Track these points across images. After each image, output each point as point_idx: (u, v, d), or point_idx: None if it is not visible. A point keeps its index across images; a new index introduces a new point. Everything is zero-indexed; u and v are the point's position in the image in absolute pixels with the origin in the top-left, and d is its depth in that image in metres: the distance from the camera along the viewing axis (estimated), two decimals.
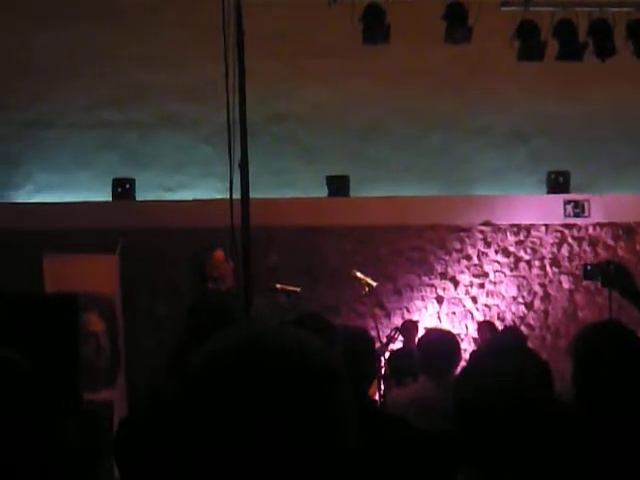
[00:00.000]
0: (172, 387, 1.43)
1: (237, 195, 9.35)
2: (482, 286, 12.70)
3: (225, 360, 1.49)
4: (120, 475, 3.72)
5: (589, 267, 5.32)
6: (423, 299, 12.62)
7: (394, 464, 3.79)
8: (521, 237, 12.74)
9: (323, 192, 12.72)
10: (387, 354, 10.49)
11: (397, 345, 10.85)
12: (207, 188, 12.35)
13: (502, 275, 12.73)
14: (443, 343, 5.76)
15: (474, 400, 2.55)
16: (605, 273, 4.68)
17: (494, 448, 2.48)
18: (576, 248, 12.74)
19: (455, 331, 11.83)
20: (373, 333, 10.05)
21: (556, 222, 12.76)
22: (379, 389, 8.79)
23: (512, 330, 10.62)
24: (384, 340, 10.30)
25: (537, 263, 12.74)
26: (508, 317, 12.53)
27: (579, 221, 12.75)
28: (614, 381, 3.48)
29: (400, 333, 10.77)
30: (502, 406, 2.49)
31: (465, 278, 12.70)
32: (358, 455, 1.51)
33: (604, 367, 3.52)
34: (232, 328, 1.58)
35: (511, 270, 12.74)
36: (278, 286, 9.65)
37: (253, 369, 1.46)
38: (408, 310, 12.54)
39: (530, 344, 12.15)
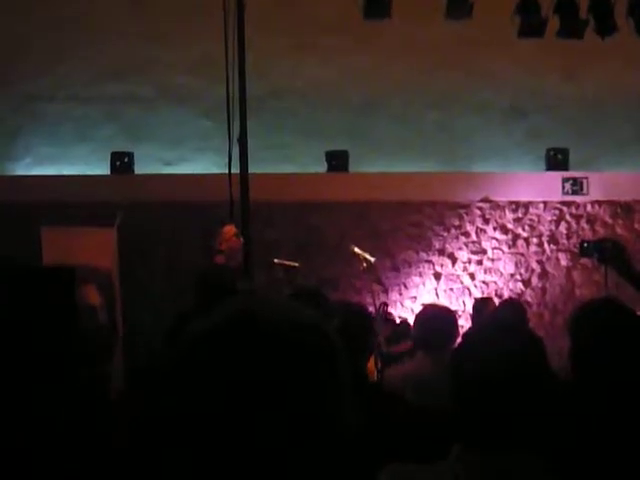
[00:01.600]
0: (169, 357, 1.44)
1: (236, 170, 9.39)
2: (480, 263, 12.71)
3: (222, 331, 1.50)
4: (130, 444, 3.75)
5: (586, 244, 5.32)
6: (421, 275, 12.64)
7: (390, 440, 3.80)
8: (519, 214, 12.75)
9: (322, 167, 12.72)
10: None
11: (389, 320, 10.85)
12: (206, 162, 12.35)
13: (500, 252, 12.74)
14: (440, 319, 5.77)
15: (469, 375, 2.56)
16: (602, 250, 4.70)
17: (489, 423, 2.49)
18: (574, 225, 12.75)
19: (453, 307, 11.85)
20: (370, 309, 10.08)
21: (554, 199, 12.77)
22: (376, 365, 8.81)
23: (512, 303, 10.56)
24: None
25: (535, 240, 12.76)
26: (506, 294, 12.53)
27: (577, 198, 12.75)
28: (611, 357, 3.49)
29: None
30: (497, 382, 2.50)
31: (463, 255, 12.72)
32: (355, 430, 1.51)
33: (601, 343, 3.53)
34: (232, 300, 1.58)
35: (509, 247, 12.75)
36: (276, 261, 9.67)
37: (250, 340, 1.47)
38: (406, 286, 12.57)
39: None
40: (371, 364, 8.56)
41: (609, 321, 3.61)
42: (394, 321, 10.66)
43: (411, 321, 11.33)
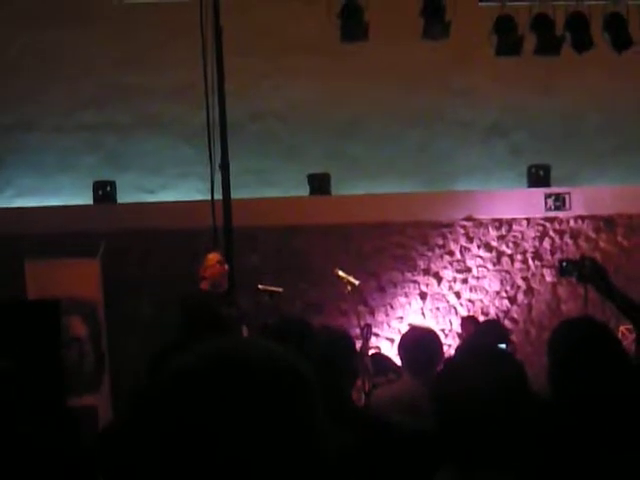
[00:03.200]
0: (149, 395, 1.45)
1: (219, 195, 9.38)
2: (465, 281, 12.71)
3: (195, 373, 1.50)
4: None
5: (565, 263, 5.33)
6: (407, 295, 12.63)
7: (374, 464, 3.80)
8: (503, 231, 12.77)
9: (304, 191, 12.72)
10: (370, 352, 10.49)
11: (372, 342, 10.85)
12: (188, 189, 12.35)
13: (485, 270, 12.75)
14: (423, 341, 5.78)
15: (452, 401, 2.56)
16: (580, 269, 4.70)
17: (472, 447, 2.49)
18: (558, 241, 12.77)
19: (439, 327, 11.89)
20: (356, 330, 10.07)
21: (537, 215, 12.79)
22: (364, 388, 8.80)
23: (493, 324, 10.58)
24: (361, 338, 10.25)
25: (519, 257, 12.77)
26: (492, 311, 12.54)
27: (560, 214, 12.78)
28: (586, 375, 3.50)
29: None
30: (479, 406, 2.50)
31: (448, 273, 12.71)
32: (337, 456, 1.52)
33: (576, 362, 3.54)
34: (205, 341, 1.59)
35: (494, 265, 12.76)
36: (260, 287, 9.65)
37: (222, 381, 1.47)
38: (392, 307, 12.56)
39: (514, 338, 12.19)
40: (362, 386, 8.58)
41: (585, 340, 3.61)
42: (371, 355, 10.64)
43: (386, 349, 11.40)
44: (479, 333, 9.85)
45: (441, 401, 2.63)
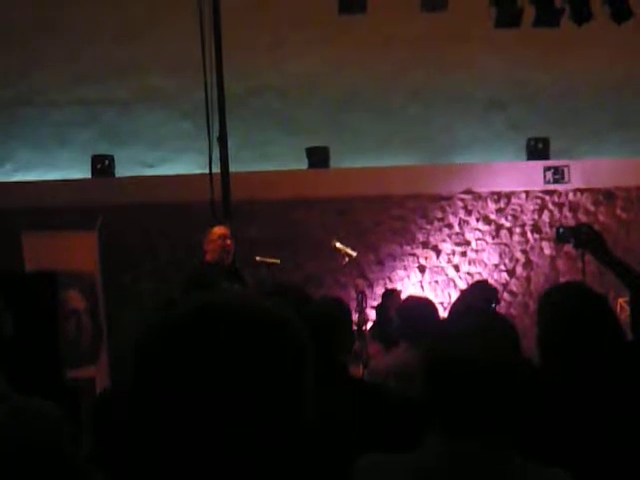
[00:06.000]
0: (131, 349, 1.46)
1: (217, 169, 9.37)
2: (464, 254, 12.72)
3: (184, 320, 1.50)
4: (96, 445, 3.73)
5: (561, 230, 5.30)
6: (405, 268, 12.64)
7: (365, 431, 3.80)
8: (502, 204, 12.76)
9: (303, 164, 12.71)
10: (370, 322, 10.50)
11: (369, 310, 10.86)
12: (187, 163, 12.34)
13: (484, 243, 12.75)
14: (420, 310, 5.78)
15: (441, 365, 2.55)
16: (578, 235, 4.70)
17: (459, 410, 2.48)
18: (557, 214, 12.76)
19: (438, 300, 11.89)
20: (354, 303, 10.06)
21: (536, 188, 12.78)
22: (362, 357, 8.80)
23: (481, 285, 10.46)
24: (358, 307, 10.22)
25: (518, 230, 12.77)
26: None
27: (559, 187, 12.77)
28: (575, 340, 3.50)
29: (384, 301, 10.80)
30: (469, 368, 2.49)
31: (447, 247, 12.72)
32: (332, 423, 1.52)
33: (565, 327, 3.53)
34: (196, 293, 1.59)
35: (492, 238, 12.76)
36: (258, 258, 9.63)
37: (211, 331, 1.47)
38: (390, 280, 12.56)
39: (513, 310, 12.23)
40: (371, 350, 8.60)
41: (572, 305, 3.60)
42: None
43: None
44: (467, 294, 9.80)
45: (431, 365, 2.61)
